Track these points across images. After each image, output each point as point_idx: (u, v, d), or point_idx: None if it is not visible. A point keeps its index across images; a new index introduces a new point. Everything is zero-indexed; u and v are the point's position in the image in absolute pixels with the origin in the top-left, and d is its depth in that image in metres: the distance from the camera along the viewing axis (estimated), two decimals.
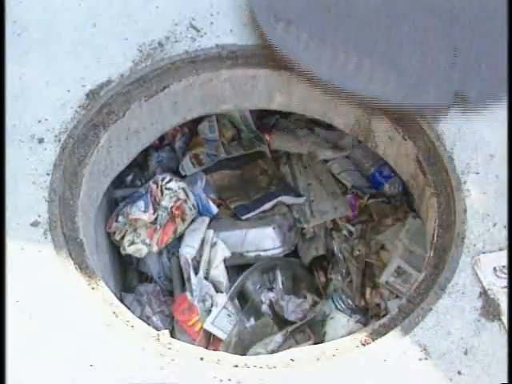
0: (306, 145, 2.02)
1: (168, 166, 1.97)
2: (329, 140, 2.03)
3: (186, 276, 1.67)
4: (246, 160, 2.03)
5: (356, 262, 1.82)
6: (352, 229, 1.88)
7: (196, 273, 1.65)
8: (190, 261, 1.66)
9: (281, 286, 1.73)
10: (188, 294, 1.62)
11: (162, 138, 1.98)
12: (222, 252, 1.68)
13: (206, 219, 1.79)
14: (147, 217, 1.66)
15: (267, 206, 1.87)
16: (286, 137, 2.06)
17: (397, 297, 1.67)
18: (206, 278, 1.66)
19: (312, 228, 1.89)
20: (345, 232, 1.88)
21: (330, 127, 1.95)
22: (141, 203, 1.69)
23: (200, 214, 1.83)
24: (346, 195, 1.95)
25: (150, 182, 1.75)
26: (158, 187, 1.72)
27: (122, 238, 1.69)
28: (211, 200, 1.85)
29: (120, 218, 1.69)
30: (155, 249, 1.70)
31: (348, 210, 1.92)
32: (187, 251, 1.68)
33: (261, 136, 2.08)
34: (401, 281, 1.67)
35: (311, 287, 1.82)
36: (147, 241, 1.68)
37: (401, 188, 1.90)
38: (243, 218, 1.83)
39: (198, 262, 1.69)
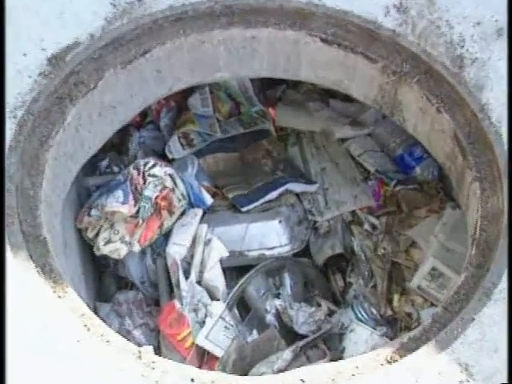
0: (318, 121, 2.01)
1: (152, 147, 1.97)
2: (347, 114, 2.02)
3: (174, 280, 1.66)
4: (246, 140, 2.03)
5: (381, 262, 1.80)
6: (376, 222, 1.87)
7: (187, 276, 1.64)
8: (179, 262, 1.65)
9: (289, 292, 1.72)
10: (177, 302, 1.61)
11: (143, 114, 1.99)
12: (217, 251, 1.67)
13: (199, 212, 1.78)
14: (127, 209, 1.65)
15: (272, 195, 1.86)
16: (294, 111, 2.06)
17: (432, 305, 1.66)
18: (199, 283, 1.65)
19: (327, 221, 1.89)
20: (367, 226, 1.87)
21: (347, 99, 1.96)
22: (119, 193, 1.68)
23: (191, 205, 1.83)
24: (367, 181, 1.95)
25: (130, 168, 1.74)
26: (139, 174, 1.71)
27: (96, 235, 1.68)
28: (205, 189, 1.85)
29: (93, 212, 1.68)
30: (137, 248, 1.69)
31: (371, 199, 1.90)
32: (176, 250, 1.67)
33: (264, 111, 2.09)
34: (436, 285, 1.65)
35: (326, 293, 1.81)
36: (127, 238, 1.67)
37: (436, 172, 1.88)
38: (243, 209, 1.83)
39: (189, 264, 1.68)
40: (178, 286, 1.62)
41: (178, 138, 1.95)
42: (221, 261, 1.67)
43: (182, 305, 1.60)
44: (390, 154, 1.96)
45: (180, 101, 2.01)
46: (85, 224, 1.68)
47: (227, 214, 1.83)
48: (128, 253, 1.69)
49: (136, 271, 1.77)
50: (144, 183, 1.70)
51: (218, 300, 1.63)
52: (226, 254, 1.69)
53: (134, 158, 1.90)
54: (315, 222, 1.89)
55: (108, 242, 1.67)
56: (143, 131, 1.99)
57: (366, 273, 1.80)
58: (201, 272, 1.66)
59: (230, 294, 1.65)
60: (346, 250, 1.85)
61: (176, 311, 1.59)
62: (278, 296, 1.69)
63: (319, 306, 1.69)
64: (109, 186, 1.73)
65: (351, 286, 1.80)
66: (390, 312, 1.72)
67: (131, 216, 1.67)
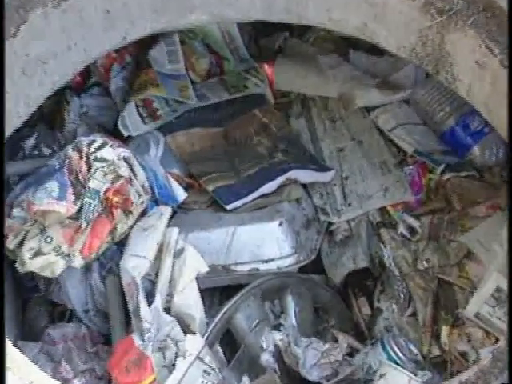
0: (334, 82, 2.02)
1: (98, 120, 1.99)
2: (374, 73, 2.03)
3: (132, 307, 1.64)
4: (232, 110, 2.06)
5: (423, 280, 1.80)
6: (415, 224, 1.86)
7: (150, 301, 1.63)
8: (139, 281, 1.64)
9: (294, 322, 1.70)
10: (136, 337, 1.59)
11: (86, 73, 2.00)
12: (193, 265, 1.66)
13: (167, 211, 1.78)
14: (64, 208, 1.64)
15: (270, 186, 1.85)
16: (300, 69, 2.06)
17: (497, 341, 1.64)
18: (168, 310, 1.64)
19: (346, 223, 1.90)
20: (403, 229, 1.86)
21: (374, 51, 1.96)
22: (52, 185, 1.67)
23: (156, 202, 1.84)
24: (404, 167, 1.95)
25: (69, 149, 1.72)
26: (81, 157, 1.70)
27: (20, 244, 1.67)
28: (175, 178, 1.87)
29: (16, 212, 1.67)
30: (79, 262, 1.68)
31: (408, 191, 1.90)
32: (134, 265, 1.66)
33: (258, 69, 2.10)
34: (503, 312, 1.63)
35: (346, 324, 1.81)
36: (64, 249, 1.67)
37: (501, 153, 1.86)
38: (229, 207, 1.83)
39: (154, 284, 1.68)
40: (138, 314, 1.60)
41: (137, 106, 1.96)
42: (197, 279, 1.66)
43: (143, 341, 1.58)
44: (435, 127, 1.95)
45: (138, 54, 2.02)
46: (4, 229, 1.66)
47: (206, 214, 1.83)
48: (66, 269, 1.68)
49: (77, 295, 1.76)
50: (88, 171, 1.69)
51: (194, 334, 1.61)
52: (204, 269, 1.68)
53: (73, 135, 1.90)
54: (330, 224, 1.89)
55: (37, 253, 1.66)
56: (86, 97, 1.99)
57: (402, 295, 1.79)
58: (170, 295, 1.65)
59: (211, 326, 1.63)
60: (373, 264, 1.85)
61: (135, 350, 1.57)
62: (277, 328, 1.68)
63: (336, 341, 1.68)
64: (38, 176, 1.72)
65: (381, 314, 1.80)
66: (436, 351, 1.71)
67: (70, 217, 1.66)
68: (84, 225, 1.66)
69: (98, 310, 1.77)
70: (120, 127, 1.92)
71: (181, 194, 1.85)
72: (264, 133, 1.98)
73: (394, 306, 1.79)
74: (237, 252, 1.74)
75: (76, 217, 1.66)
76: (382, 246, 1.85)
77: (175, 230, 1.71)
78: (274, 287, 1.73)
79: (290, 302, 1.72)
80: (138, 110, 1.95)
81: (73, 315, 1.77)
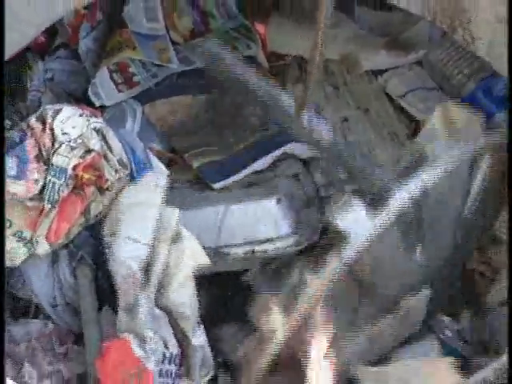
0: (336, 42, 2.05)
1: (65, 87, 2.01)
2: (381, 31, 2.07)
3: (123, 302, 1.59)
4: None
5: None
6: None
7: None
8: (139, 275, 1.59)
9: None
10: (134, 343, 1.55)
11: (51, 33, 2.02)
12: (193, 257, 1.64)
13: (162, 179, 1.72)
14: (22, 188, 1.64)
15: (263, 162, 1.88)
16: (297, 28, 2.08)
17: None
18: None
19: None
20: None
21: (382, 5, 2.01)
22: (10, 161, 1.63)
23: (132, 176, 1.77)
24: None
25: (32, 119, 1.69)
26: (45, 129, 1.68)
27: None
28: (155, 153, 1.84)
29: None
30: (44, 249, 1.67)
31: None
32: (131, 252, 1.60)
33: (249, 27, 2.14)
34: None
35: None
36: (26, 234, 1.66)
37: None
38: (217, 186, 1.84)
39: (148, 273, 1.62)
40: (135, 315, 1.58)
41: (110, 72, 1.98)
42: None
43: (144, 351, 1.54)
44: (453, 92, 1.96)
45: (111, 11, 2.04)
46: None
47: (192, 193, 1.84)
48: (30, 259, 1.67)
49: (43, 288, 1.76)
50: (53, 144, 1.66)
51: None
52: (205, 261, 1.65)
53: (37, 105, 1.91)
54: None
55: None
56: (51, 61, 2.01)
57: None
58: (161, 287, 1.63)
59: None
60: None
61: (133, 362, 1.51)
62: None
63: None
64: None
65: None
66: None
67: (32, 198, 1.65)
68: (48, 207, 1.64)
69: (68, 305, 1.76)
70: (91, 96, 1.93)
71: (162, 172, 1.79)
72: (257, 101, 1.93)
73: None
74: (229, 233, 1.75)
75: (39, 198, 1.64)
76: None
77: (176, 212, 1.66)
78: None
79: None
80: (111, 76, 1.97)
81: (38, 310, 1.77)
